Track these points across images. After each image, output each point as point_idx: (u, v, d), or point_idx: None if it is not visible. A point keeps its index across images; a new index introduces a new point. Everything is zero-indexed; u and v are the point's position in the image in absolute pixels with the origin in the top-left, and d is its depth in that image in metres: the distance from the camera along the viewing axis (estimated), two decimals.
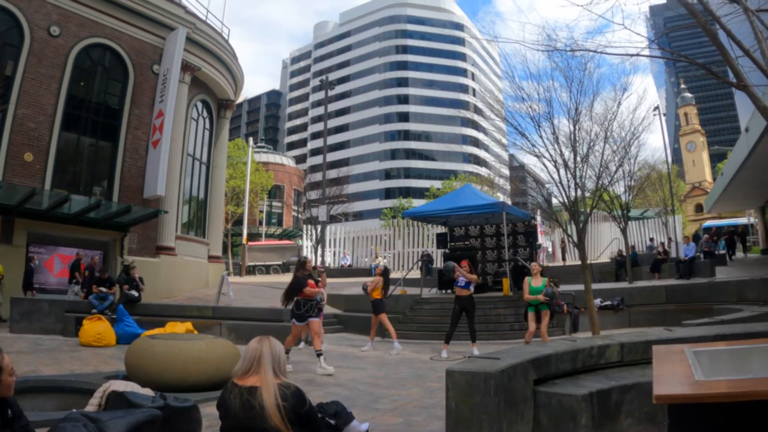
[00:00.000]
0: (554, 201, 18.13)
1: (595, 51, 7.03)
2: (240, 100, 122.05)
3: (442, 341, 12.31)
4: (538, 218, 36.60)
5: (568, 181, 13.12)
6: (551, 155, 13.25)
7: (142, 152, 21.47)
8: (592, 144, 13.64)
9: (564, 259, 36.49)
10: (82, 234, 18.78)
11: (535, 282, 11.37)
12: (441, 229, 22.58)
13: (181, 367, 7.62)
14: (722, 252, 29.14)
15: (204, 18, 25.42)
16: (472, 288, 12.29)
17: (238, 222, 52.19)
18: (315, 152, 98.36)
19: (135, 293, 16.14)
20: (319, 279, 10.58)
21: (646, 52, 6.81)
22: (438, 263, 26.26)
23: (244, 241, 44.26)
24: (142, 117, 21.63)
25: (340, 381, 8.94)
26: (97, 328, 13.06)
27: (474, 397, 4.68)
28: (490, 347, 12.20)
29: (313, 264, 26.76)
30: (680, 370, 3.34)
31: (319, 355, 9.76)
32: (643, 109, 18.26)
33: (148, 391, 4.82)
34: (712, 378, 3.23)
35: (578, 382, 5.37)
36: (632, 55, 6.54)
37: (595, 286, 18.85)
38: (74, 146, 20.27)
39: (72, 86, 19.74)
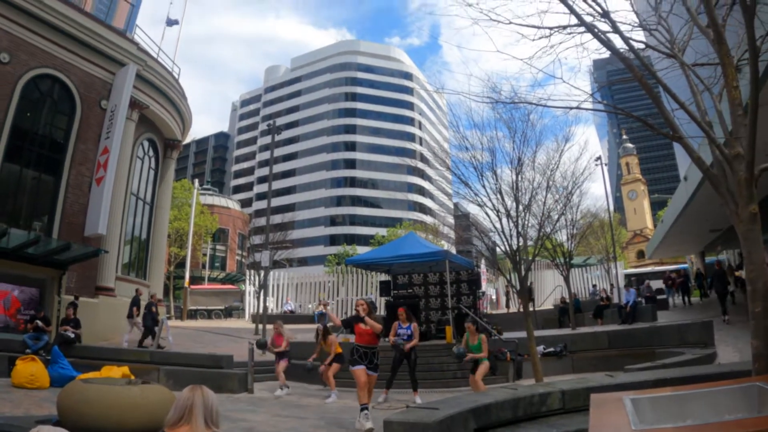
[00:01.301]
0: (498, 249, 18.40)
1: (537, 104, 7.26)
2: (188, 140, 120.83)
3: (380, 390, 12.29)
4: (483, 266, 37.07)
5: (510, 230, 13.33)
6: (494, 204, 13.51)
7: (85, 189, 21.00)
8: (534, 193, 13.99)
9: (508, 306, 36.92)
10: (19, 270, 17.98)
11: (472, 340, 11.40)
12: (385, 277, 22.57)
13: (115, 413, 7.40)
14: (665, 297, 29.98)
15: (155, 56, 25.36)
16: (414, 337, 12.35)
17: (181, 264, 51.25)
18: (261, 196, 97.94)
19: (71, 334, 15.67)
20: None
21: (587, 105, 7.09)
22: (381, 311, 26.20)
23: (186, 284, 43.36)
24: (87, 153, 21.21)
25: (280, 430, 8.79)
26: (30, 369, 12.55)
27: None
28: (433, 395, 12.19)
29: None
30: (617, 420, 3.39)
31: (362, 410, 8.66)
32: (585, 159, 18.80)
33: None
34: (649, 427, 3.29)
35: (519, 431, 5.42)
36: (572, 108, 6.80)
37: (538, 332, 19.04)
38: (16, 178, 19.65)
39: (18, 116, 19.18)
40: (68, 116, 21.05)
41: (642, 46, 7.12)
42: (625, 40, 6.34)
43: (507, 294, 37.90)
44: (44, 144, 20.50)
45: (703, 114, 6.07)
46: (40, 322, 15.57)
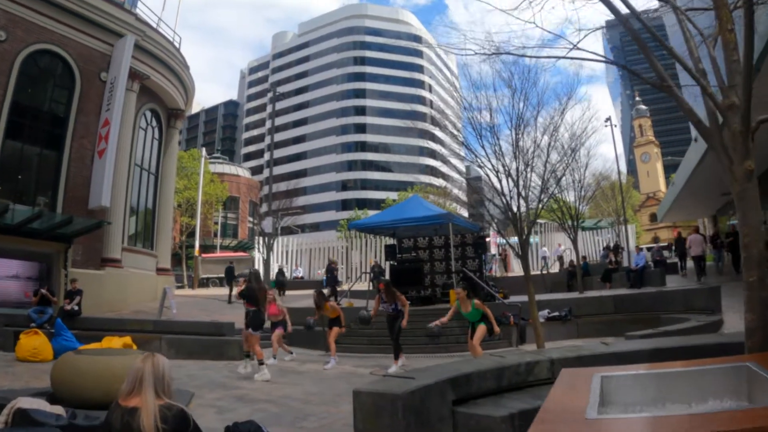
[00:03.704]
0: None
1: (516, 54, 6.91)
2: (197, 110, 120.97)
3: (388, 355, 12.28)
4: (494, 229, 36.81)
5: (510, 190, 13.09)
6: (493, 165, 13.24)
7: (87, 162, 20.98)
8: (536, 152, 13.60)
9: (506, 269, 36.63)
10: (25, 245, 18.11)
11: (464, 307, 10.38)
12: (391, 241, 22.48)
13: (106, 383, 7.34)
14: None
15: (155, 26, 25.07)
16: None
17: (193, 233, 51.47)
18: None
19: (75, 307, 15.78)
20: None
21: (574, 55, 6.76)
22: (387, 275, 26.19)
23: (196, 253, 43.56)
24: (88, 125, 21.14)
25: (272, 397, 8.78)
26: (34, 342, 12.70)
27: (381, 419, 4.56)
28: (435, 360, 12.18)
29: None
30: (574, 403, 3.12)
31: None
32: (588, 118, 18.16)
33: (57, 409, 4.66)
34: (605, 416, 3.02)
35: (501, 402, 5.21)
36: (558, 57, 6.55)
37: (545, 296, 18.91)
38: (18, 154, 19.68)
39: (17, 93, 19.05)
40: (68, 90, 20.94)
41: None
42: None
43: (504, 257, 37.59)
44: (45, 119, 20.45)
45: (696, 61, 5.67)
46: (44, 291, 15.71)
